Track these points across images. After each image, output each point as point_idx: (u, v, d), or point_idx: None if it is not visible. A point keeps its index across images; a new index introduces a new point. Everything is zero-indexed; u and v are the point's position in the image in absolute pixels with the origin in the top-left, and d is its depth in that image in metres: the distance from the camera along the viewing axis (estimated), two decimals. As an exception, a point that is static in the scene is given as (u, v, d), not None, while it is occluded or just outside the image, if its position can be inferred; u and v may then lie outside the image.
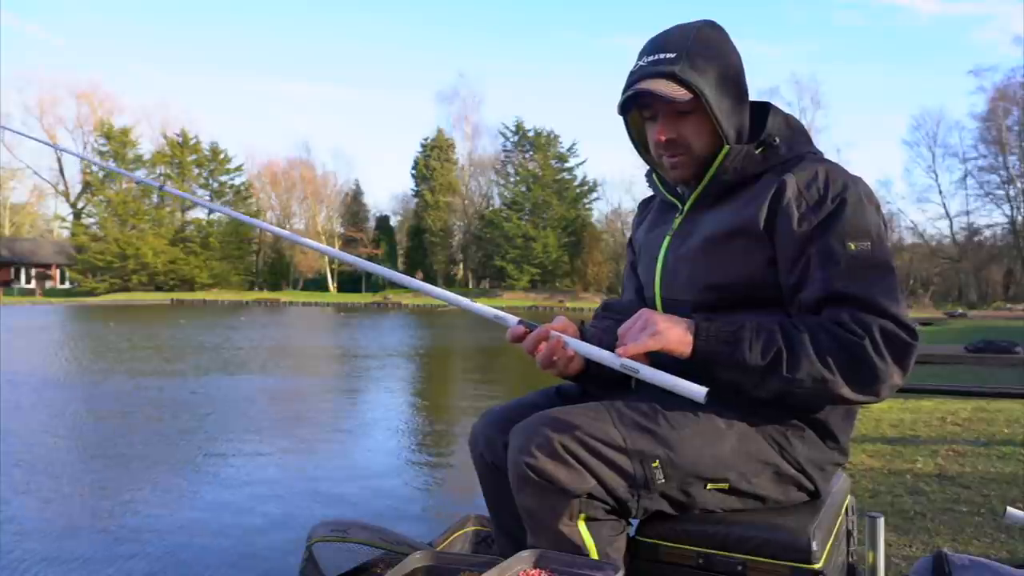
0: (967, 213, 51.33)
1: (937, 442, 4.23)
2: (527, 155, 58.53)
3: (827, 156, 1.33)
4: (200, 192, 56.91)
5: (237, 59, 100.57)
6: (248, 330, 20.03)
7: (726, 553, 1.16)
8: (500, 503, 1.38)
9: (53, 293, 52.31)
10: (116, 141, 55.23)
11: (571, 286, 54.59)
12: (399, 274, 1.47)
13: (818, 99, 52.77)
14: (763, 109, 1.35)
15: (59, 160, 57.76)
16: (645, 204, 1.61)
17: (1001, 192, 46.04)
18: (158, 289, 52.51)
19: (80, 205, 57.94)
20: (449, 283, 56.65)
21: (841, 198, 1.19)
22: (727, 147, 1.28)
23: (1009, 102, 43.69)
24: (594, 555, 1.15)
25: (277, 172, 62.07)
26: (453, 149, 60.46)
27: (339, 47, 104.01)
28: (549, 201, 55.65)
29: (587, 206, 58.75)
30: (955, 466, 3.62)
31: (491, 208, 59.38)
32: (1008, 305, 38.69)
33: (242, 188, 60.41)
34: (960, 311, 32.62)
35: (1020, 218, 45.26)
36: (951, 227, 49.00)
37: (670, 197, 1.43)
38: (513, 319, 1.25)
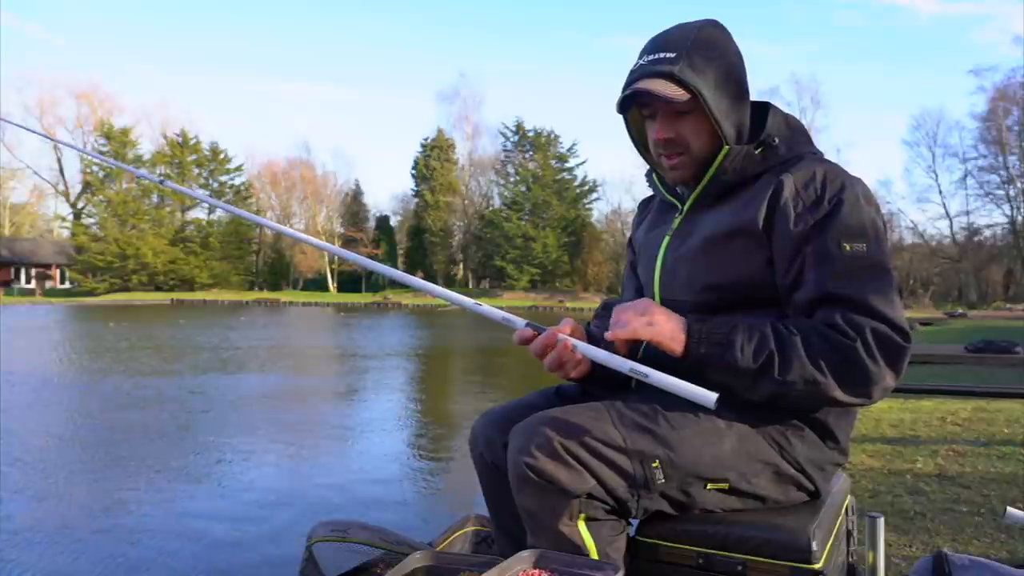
0: (967, 213, 51.47)
1: (937, 442, 4.23)
2: (527, 155, 58.53)
3: (827, 156, 1.33)
4: (225, 204, 56.80)
5: (237, 59, 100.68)
6: (247, 330, 20.03)
7: (726, 553, 1.16)
8: (500, 503, 1.38)
9: (53, 293, 52.31)
10: (116, 141, 55.20)
11: (571, 286, 54.59)
12: (411, 276, 1.43)
13: (818, 99, 52.80)
14: (763, 109, 1.34)
15: (59, 160, 57.84)
16: (645, 204, 1.61)
17: (1001, 192, 46.11)
18: (158, 289, 52.51)
19: (80, 205, 57.98)
20: (449, 283, 56.62)
21: (838, 198, 1.19)
22: (727, 147, 1.27)
23: (1009, 102, 43.74)
24: (594, 555, 1.15)
25: (277, 172, 62.13)
26: (453, 149, 60.48)
27: (339, 47, 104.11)
28: (549, 201, 55.66)
29: (587, 206, 58.78)
30: (955, 466, 3.62)
31: (491, 208, 59.39)
32: (1008, 305, 38.68)
33: (242, 188, 60.41)
34: (960, 311, 32.63)
35: (1020, 218, 45.31)
36: (951, 227, 49.09)
37: (670, 197, 1.43)
38: (521, 321, 1.25)
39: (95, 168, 54.77)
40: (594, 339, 1.34)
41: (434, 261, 58.32)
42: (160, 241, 53.80)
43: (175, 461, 4.77)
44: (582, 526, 1.16)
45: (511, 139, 59.36)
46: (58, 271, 57.61)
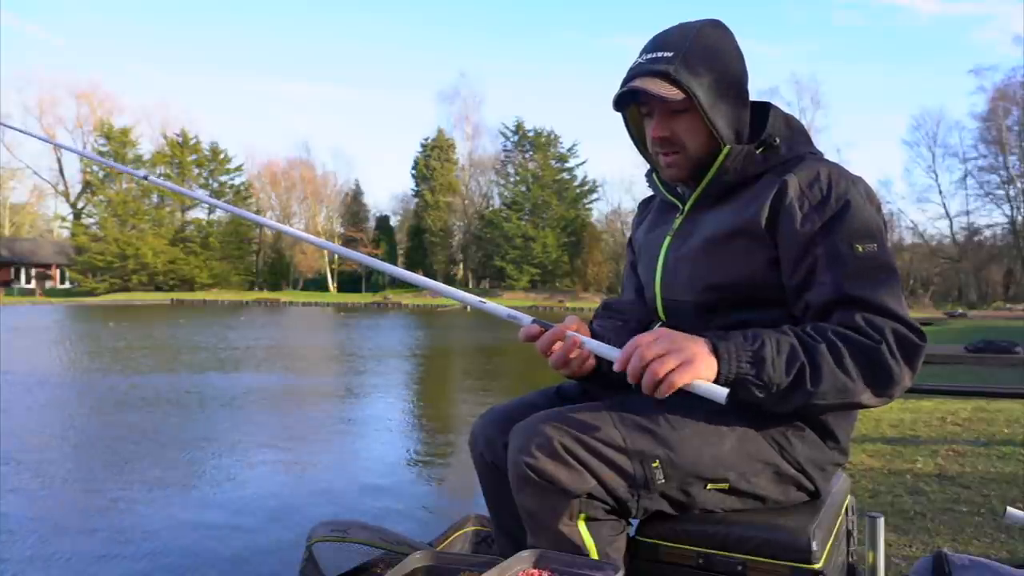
0: (967, 213, 51.56)
1: (937, 442, 4.23)
2: (527, 155, 58.54)
3: (827, 156, 1.33)
4: (200, 192, 56.89)
5: (237, 59, 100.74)
6: (247, 330, 20.03)
7: (726, 553, 1.16)
8: (500, 503, 1.38)
9: (53, 293, 52.30)
10: (116, 141, 55.20)
11: (571, 286, 54.58)
12: (421, 277, 1.41)
13: (818, 99, 52.84)
14: (763, 109, 1.34)
15: (59, 160, 57.82)
16: (645, 204, 1.61)
17: (1001, 192, 46.11)
18: (158, 289, 52.52)
19: (80, 205, 58.01)
20: (449, 283, 55.88)
21: (845, 199, 1.19)
22: (727, 147, 1.27)
23: (1009, 102, 43.73)
24: (594, 555, 1.15)
25: (277, 172, 62.14)
26: (453, 149, 60.47)
27: (339, 47, 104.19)
28: (549, 201, 55.65)
29: (587, 206, 58.78)
30: (955, 466, 3.62)
31: (491, 208, 59.38)
32: (1008, 305, 38.69)
33: (242, 188, 60.41)
34: (960, 311, 32.63)
35: (1020, 218, 45.31)
36: (951, 227, 49.09)
37: (670, 197, 1.43)
38: (527, 318, 1.24)
39: (95, 168, 54.80)
40: (597, 337, 1.34)
41: (434, 261, 58.30)
42: (160, 241, 53.80)
43: (171, 461, 4.77)
44: (582, 526, 1.16)
45: (511, 139, 59.41)
46: (58, 271, 57.61)
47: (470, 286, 57.63)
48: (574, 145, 58.68)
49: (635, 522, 1.24)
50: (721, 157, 1.28)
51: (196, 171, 58.35)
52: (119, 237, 52.31)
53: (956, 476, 3.41)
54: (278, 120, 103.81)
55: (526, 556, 1.07)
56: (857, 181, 1.24)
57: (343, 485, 4.24)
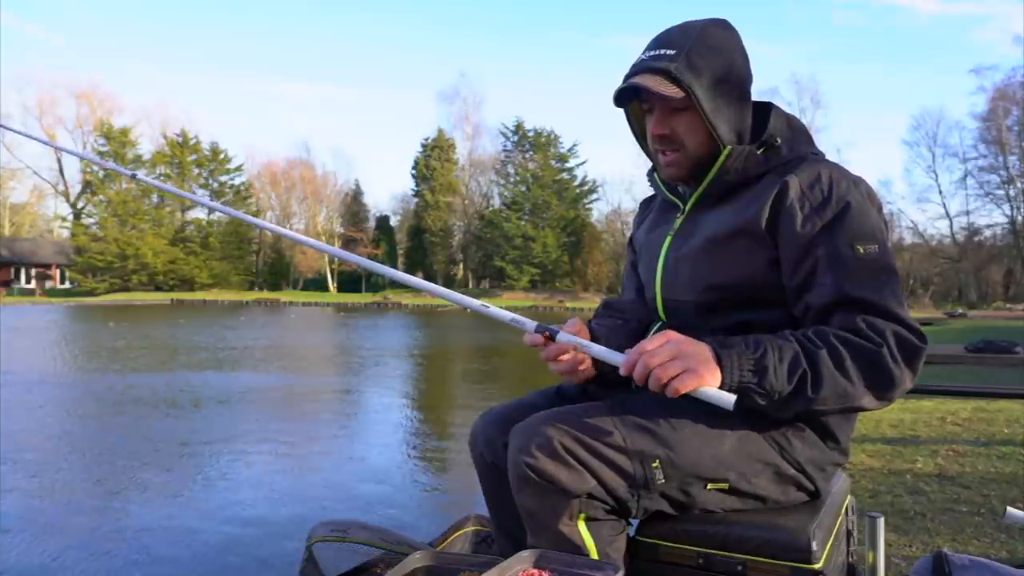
0: (967, 213, 51.47)
1: (937, 442, 4.23)
2: (527, 155, 58.55)
3: (827, 156, 1.33)
4: (200, 192, 56.88)
5: (237, 59, 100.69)
6: (247, 330, 20.03)
7: (726, 553, 1.16)
8: (500, 503, 1.38)
9: (53, 293, 52.30)
10: (116, 141, 55.23)
11: (571, 286, 54.59)
12: (424, 281, 1.40)
13: (818, 99, 52.80)
14: (764, 109, 1.34)
15: (59, 160, 57.82)
16: (646, 203, 1.61)
17: (1001, 192, 46.10)
18: (158, 289, 52.51)
19: (80, 205, 58.01)
20: (449, 283, 56.59)
21: (846, 200, 1.19)
22: (728, 147, 1.27)
23: (1009, 102, 43.71)
24: (594, 555, 1.15)
25: (277, 172, 62.12)
26: (453, 149, 60.46)
27: (339, 47, 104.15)
28: (549, 201, 55.66)
29: (587, 206, 58.79)
30: (955, 466, 3.62)
31: (491, 208, 59.38)
32: (1008, 305, 38.69)
33: (242, 188, 60.40)
34: (960, 311, 32.62)
35: (1020, 218, 45.30)
36: (951, 227, 49.07)
37: (671, 197, 1.43)
38: (531, 323, 1.23)
39: (95, 168, 54.78)
40: (597, 336, 1.35)
41: (434, 261, 58.31)
42: (160, 241, 53.80)
43: (168, 460, 4.77)
44: (582, 526, 1.16)
45: (511, 139, 59.40)
46: (58, 271, 57.61)
47: (470, 286, 57.65)
48: (574, 145, 58.82)
49: (635, 522, 1.24)
50: (722, 157, 1.28)
51: (196, 171, 58.35)
52: (119, 237, 52.32)
53: (956, 476, 3.41)
54: (278, 120, 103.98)
55: (526, 556, 1.07)
56: (858, 182, 1.24)
57: (342, 484, 4.23)
